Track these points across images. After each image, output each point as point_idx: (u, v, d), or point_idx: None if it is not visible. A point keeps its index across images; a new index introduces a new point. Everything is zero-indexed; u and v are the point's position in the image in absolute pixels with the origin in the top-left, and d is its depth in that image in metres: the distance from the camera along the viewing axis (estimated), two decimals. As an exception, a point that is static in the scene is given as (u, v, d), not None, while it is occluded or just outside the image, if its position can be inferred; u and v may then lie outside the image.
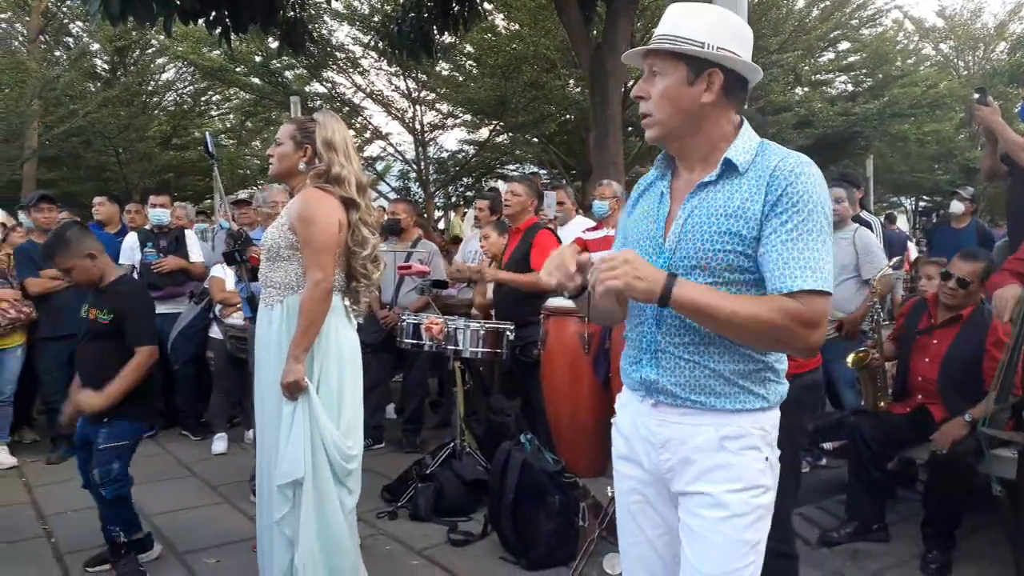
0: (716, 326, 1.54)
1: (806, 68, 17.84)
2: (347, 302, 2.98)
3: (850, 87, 20.24)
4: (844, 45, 18.97)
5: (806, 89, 18.29)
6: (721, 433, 1.61)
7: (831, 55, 19.37)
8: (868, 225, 5.12)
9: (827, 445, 4.66)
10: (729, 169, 1.61)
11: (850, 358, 3.87)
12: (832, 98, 19.06)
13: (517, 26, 14.14)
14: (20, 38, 15.57)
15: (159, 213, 5.84)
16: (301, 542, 2.75)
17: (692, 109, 1.61)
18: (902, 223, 18.03)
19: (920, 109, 18.61)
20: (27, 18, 15.32)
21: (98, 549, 3.56)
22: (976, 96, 4.12)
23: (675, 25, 1.62)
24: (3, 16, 15.69)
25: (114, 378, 3.21)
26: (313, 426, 2.75)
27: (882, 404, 3.90)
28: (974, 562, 3.43)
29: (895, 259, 5.11)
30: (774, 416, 1.67)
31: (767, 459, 1.63)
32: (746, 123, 1.67)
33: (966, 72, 23.30)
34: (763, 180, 1.56)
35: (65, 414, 3.36)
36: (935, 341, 3.81)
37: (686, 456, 1.63)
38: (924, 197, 25.76)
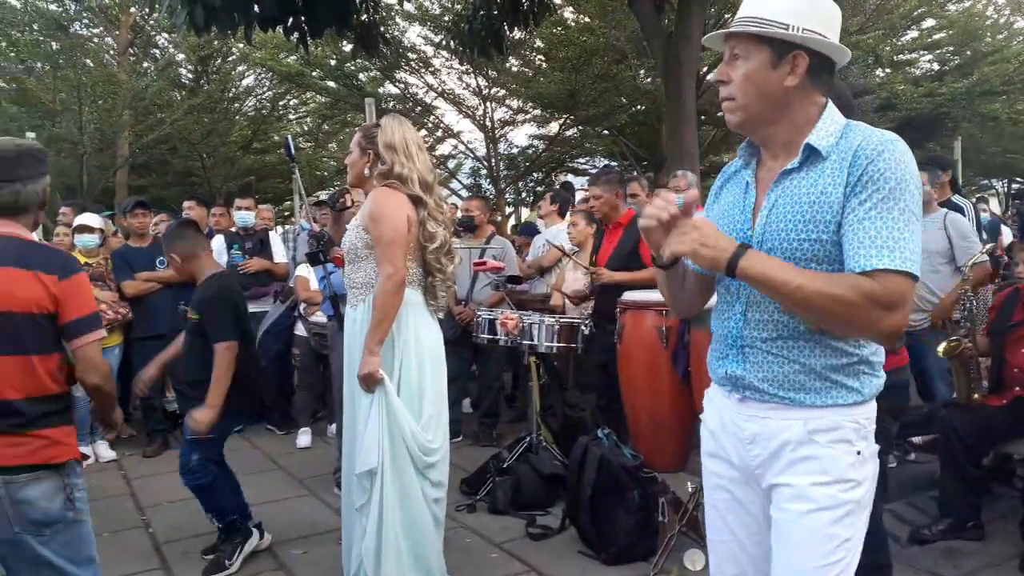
0: (783, 300, 1.49)
1: (887, 48, 17.15)
2: (427, 297, 3.02)
3: (936, 66, 19.36)
4: (929, 22, 18.15)
5: (887, 71, 17.59)
6: (810, 427, 1.56)
7: (914, 33, 18.56)
8: (959, 210, 4.89)
9: (916, 439, 4.50)
10: (812, 155, 1.55)
11: (941, 347, 3.73)
12: (916, 78, 18.27)
13: (587, 19, 14.04)
14: (111, 51, 16.36)
15: (244, 215, 6.04)
16: (378, 532, 2.80)
17: (775, 93, 1.56)
18: (994, 207, 17.16)
19: (1013, 86, 17.65)
20: (117, 32, 16.11)
21: (193, 539, 3.75)
22: None
23: (759, 6, 1.56)
24: (95, 31, 16.51)
25: (207, 372, 3.34)
26: (391, 418, 2.80)
27: (976, 396, 3.74)
28: (1079, 562, 3.26)
29: (988, 245, 4.89)
30: (870, 409, 1.60)
31: (859, 453, 1.56)
32: (831, 105, 1.60)
33: (1063, 46, 22.00)
34: (845, 161, 1.50)
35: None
36: (1032, 331, 3.64)
37: (774, 450, 1.59)
38: (1017, 179, 24.47)
